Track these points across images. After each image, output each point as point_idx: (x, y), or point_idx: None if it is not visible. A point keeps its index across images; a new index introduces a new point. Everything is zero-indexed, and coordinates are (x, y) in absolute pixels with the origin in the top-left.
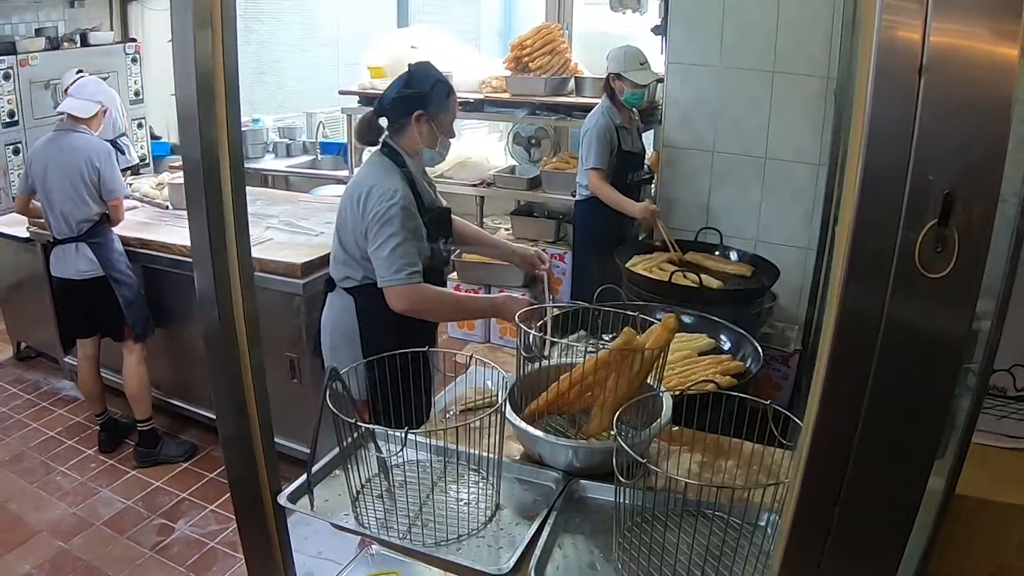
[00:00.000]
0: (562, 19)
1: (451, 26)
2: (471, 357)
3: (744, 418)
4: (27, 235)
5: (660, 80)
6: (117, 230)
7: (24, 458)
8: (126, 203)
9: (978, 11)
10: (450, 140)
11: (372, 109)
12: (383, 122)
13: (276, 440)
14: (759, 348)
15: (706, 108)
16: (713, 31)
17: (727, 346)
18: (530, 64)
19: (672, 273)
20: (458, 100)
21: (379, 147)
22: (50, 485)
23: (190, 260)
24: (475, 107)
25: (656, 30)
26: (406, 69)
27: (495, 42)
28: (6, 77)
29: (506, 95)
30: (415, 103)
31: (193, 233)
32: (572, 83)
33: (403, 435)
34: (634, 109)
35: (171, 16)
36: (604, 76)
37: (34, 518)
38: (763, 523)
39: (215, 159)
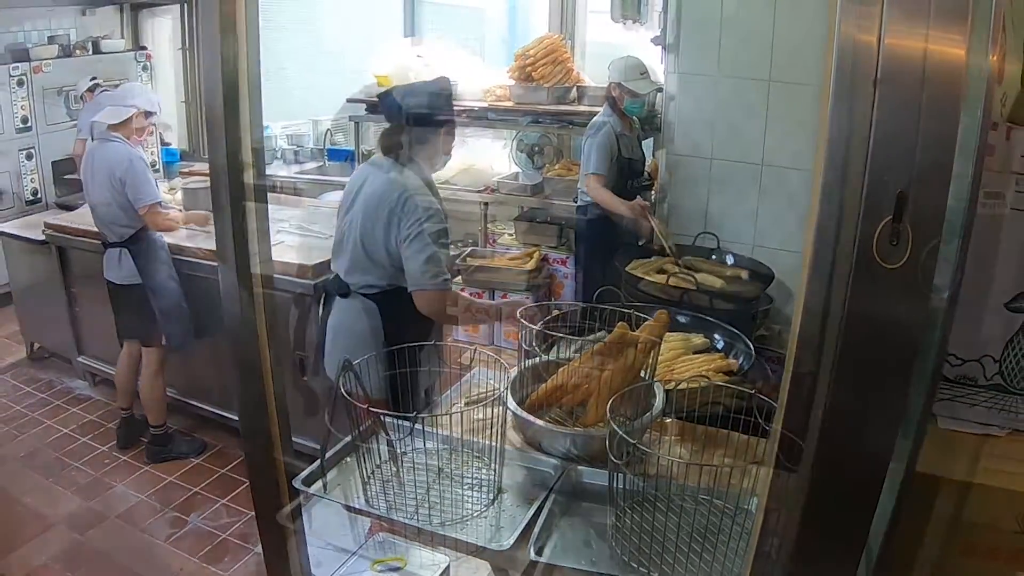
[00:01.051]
0: (565, 30)
1: (456, 36)
2: (475, 350)
3: (737, 414)
4: (42, 238)
5: (660, 89)
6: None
7: (39, 454)
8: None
9: (928, 24)
10: (448, 157)
11: (397, 122)
12: (404, 133)
13: None
14: (751, 346)
15: (705, 116)
16: (712, 41)
17: (720, 345)
18: (533, 74)
19: (669, 276)
20: (462, 110)
21: (396, 157)
22: (65, 480)
23: (208, 263)
24: (479, 115)
25: (656, 40)
26: (430, 80)
27: (500, 52)
28: (20, 84)
29: (510, 104)
30: (441, 116)
31: (219, 235)
32: (575, 92)
33: (411, 422)
34: (635, 117)
35: (198, 23)
36: (606, 85)
37: (50, 511)
38: (748, 506)
39: (239, 164)
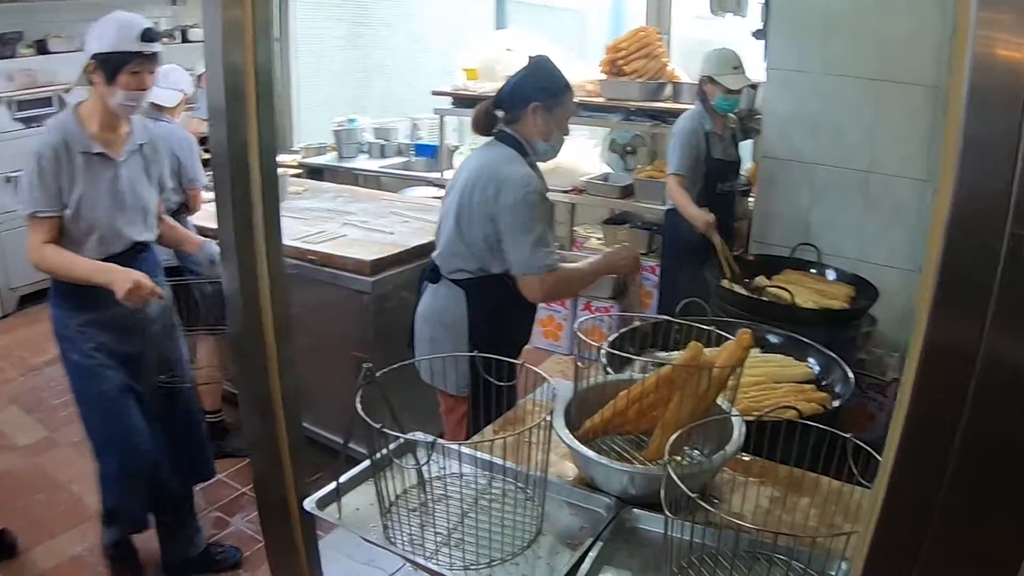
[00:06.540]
0: (662, 25)
1: (554, 36)
2: (522, 366)
3: (833, 453)
4: None
5: (753, 85)
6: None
7: None
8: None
9: None
10: (564, 136)
11: (490, 99)
12: (499, 113)
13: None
14: (850, 374)
15: (806, 117)
16: (815, 36)
17: (816, 370)
18: (625, 67)
19: (763, 289)
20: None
21: (495, 136)
22: None
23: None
24: None
25: (757, 34)
26: (526, 63)
27: (599, 56)
28: None
29: (600, 99)
30: (532, 93)
31: (221, 230)
32: (669, 88)
33: (429, 445)
34: (730, 115)
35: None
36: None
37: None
38: (834, 572)
39: (243, 157)
